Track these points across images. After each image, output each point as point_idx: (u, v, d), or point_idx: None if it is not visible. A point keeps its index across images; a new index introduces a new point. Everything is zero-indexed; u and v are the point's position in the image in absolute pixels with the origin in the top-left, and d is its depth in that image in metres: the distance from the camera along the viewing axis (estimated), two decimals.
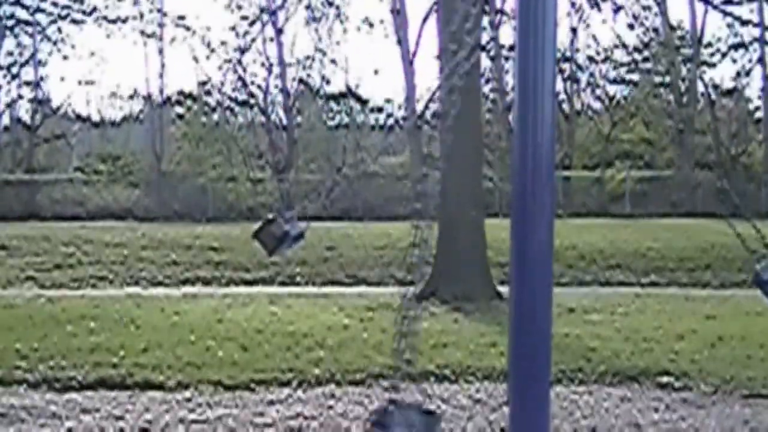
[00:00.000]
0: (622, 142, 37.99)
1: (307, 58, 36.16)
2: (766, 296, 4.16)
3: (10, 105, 36.08)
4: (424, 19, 33.43)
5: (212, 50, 35.28)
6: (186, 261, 18.69)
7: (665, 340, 10.52)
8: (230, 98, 36.65)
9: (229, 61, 35.17)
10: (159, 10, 35.97)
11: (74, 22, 36.04)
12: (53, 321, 11.50)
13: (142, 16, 35.94)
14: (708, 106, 38.17)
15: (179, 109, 37.89)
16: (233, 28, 35.39)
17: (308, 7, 35.32)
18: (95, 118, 39.16)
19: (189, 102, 37.19)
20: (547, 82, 3.54)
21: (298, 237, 4.73)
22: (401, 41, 34.77)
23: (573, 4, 35.88)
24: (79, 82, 35.80)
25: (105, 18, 35.66)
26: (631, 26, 38.08)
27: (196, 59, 35.48)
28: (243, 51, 35.13)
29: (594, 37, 38.93)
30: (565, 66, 37.25)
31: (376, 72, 44.73)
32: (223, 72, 35.73)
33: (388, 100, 38.67)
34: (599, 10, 35.26)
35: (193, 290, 16.00)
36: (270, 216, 4.55)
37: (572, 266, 18.21)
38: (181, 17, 35.22)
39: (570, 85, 38.11)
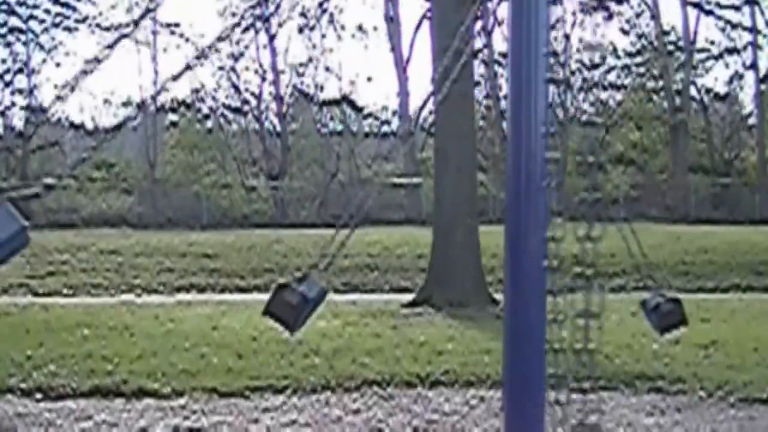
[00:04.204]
0: (615, 147, 38.07)
1: (301, 65, 36.19)
2: (649, 321, 4.50)
3: (2, 113, 36.01)
4: (418, 26, 33.53)
5: (206, 57, 35.25)
6: (180, 268, 18.67)
7: (659, 344, 10.53)
8: (224, 105, 36.65)
9: (222, 68, 35.20)
10: (152, 18, 35.96)
11: (67, 29, 36.04)
12: (47, 328, 11.47)
13: (135, 23, 35.92)
14: (701, 111, 38.26)
15: (173, 117, 37.86)
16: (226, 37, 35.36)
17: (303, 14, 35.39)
18: (89, 125, 39.10)
19: (183, 109, 37.18)
20: (539, 87, 3.55)
21: (318, 299, 3.94)
22: (395, 48, 34.84)
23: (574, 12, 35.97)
24: (72, 89, 35.62)
25: (98, 26, 35.66)
26: (624, 31, 38.19)
27: (189, 66, 35.43)
28: (236, 58, 35.15)
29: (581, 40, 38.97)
30: (558, 71, 37.29)
31: (369, 79, 44.70)
32: (217, 79, 35.79)
33: (384, 108, 38.66)
34: (591, 14, 35.34)
35: (188, 297, 15.98)
36: (280, 281, 3.93)
37: (566, 271, 18.22)
38: (175, 24, 35.23)
39: (563, 90, 38.14)
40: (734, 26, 34.47)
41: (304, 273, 3.87)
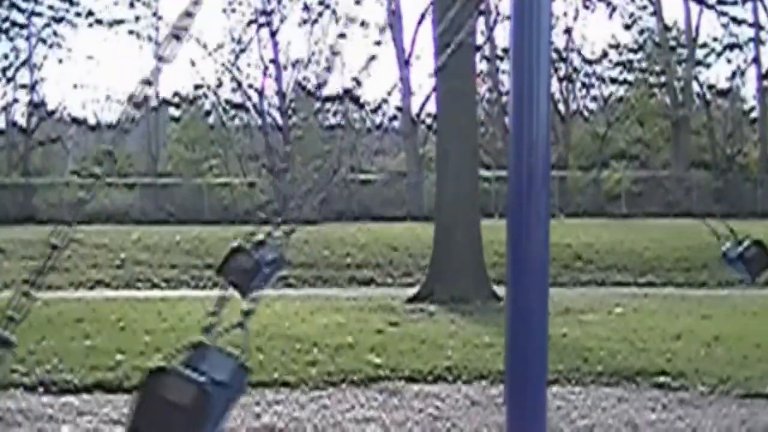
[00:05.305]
0: (617, 142, 38.07)
1: (309, 59, 36.16)
2: (736, 271, 4.60)
3: (5, 108, 36.04)
4: (420, 21, 33.49)
5: (209, 53, 35.25)
6: (183, 263, 18.68)
7: (662, 340, 10.53)
8: (226, 100, 36.64)
9: (226, 63, 35.17)
10: (154, 13, 36.00)
11: (70, 24, 36.03)
12: (50, 324, 11.47)
13: (137, 18, 35.96)
14: (703, 107, 38.23)
15: (175, 112, 37.87)
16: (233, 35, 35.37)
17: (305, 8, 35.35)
18: (91, 121, 39.11)
19: (185, 104, 37.18)
20: (542, 82, 3.55)
21: (276, 266, 3.64)
22: (397, 42, 34.81)
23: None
24: (74, 86, 35.78)
25: (100, 21, 35.67)
26: (626, 26, 38.14)
27: (192, 62, 35.50)
28: (238, 53, 35.13)
29: (585, 37, 38.92)
30: (561, 66, 37.29)
31: (369, 75, 44.62)
32: (219, 74, 35.77)
33: (384, 101, 38.60)
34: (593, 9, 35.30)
35: (190, 292, 15.99)
36: (235, 244, 3.63)
37: (569, 266, 18.22)
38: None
39: (565, 85, 38.14)
40: (736, 21, 34.44)
41: (263, 238, 3.62)
